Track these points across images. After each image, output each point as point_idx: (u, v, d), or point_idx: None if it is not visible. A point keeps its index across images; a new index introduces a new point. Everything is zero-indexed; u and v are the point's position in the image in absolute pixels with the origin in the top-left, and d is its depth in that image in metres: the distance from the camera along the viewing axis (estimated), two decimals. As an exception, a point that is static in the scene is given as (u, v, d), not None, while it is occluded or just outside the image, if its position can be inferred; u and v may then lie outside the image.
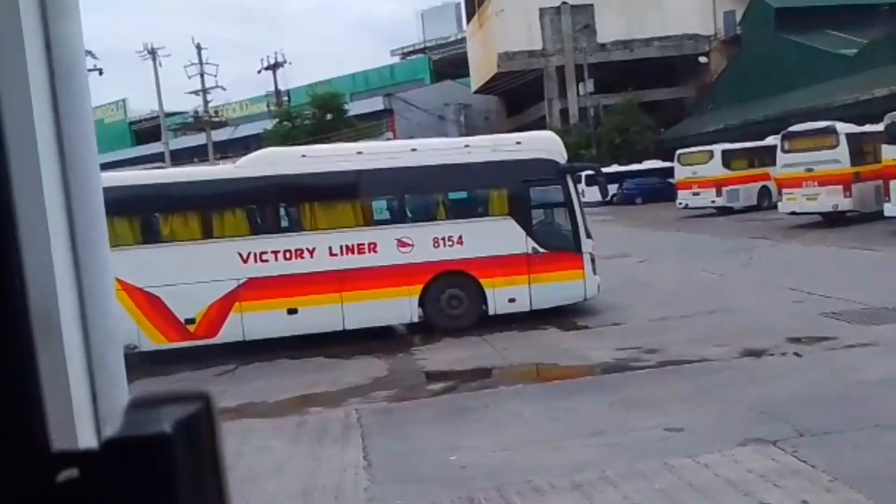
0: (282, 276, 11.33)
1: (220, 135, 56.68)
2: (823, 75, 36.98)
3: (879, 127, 19.68)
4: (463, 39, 70.85)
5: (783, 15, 44.05)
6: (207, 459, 0.89)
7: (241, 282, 11.28)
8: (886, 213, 19.10)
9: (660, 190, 39.95)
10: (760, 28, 45.67)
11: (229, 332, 11.27)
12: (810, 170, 21.98)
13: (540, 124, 49.99)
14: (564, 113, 54.79)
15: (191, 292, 11.09)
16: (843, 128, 22.11)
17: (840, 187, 21.48)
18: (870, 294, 11.68)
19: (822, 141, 22.05)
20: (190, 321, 11.23)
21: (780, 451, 5.94)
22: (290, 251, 11.39)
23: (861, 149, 21.59)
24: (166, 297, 11.06)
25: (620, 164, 44.43)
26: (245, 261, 11.28)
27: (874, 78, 32.32)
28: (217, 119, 55.06)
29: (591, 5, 55.09)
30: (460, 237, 11.83)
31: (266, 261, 11.32)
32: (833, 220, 22.30)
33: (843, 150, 21.50)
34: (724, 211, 30.03)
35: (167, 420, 0.81)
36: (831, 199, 21.72)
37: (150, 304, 10.99)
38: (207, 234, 11.49)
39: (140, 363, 10.46)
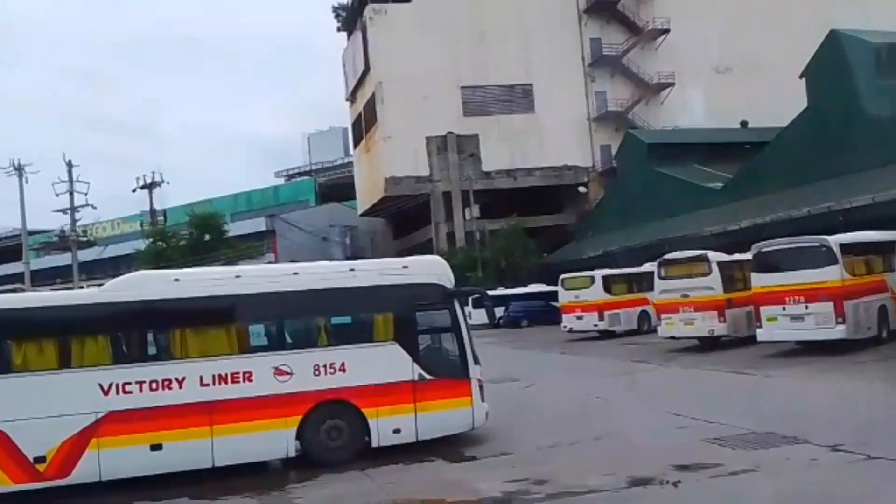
0: (147, 408, 10.47)
1: (87, 255, 54.12)
2: (694, 205, 39.66)
3: (748, 255, 20.82)
4: (348, 164, 72.31)
5: (654, 149, 47.52)
6: None
7: (101, 415, 10.33)
8: (759, 338, 19.93)
9: (545, 313, 40.66)
10: (634, 161, 48.93)
11: (84, 471, 10.18)
12: (686, 295, 22.87)
13: (426, 246, 50.80)
14: (451, 236, 55.92)
15: (43, 427, 10.05)
16: (715, 256, 23.28)
17: (714, 313, 22.35)
18: (748, 418, 11.85)
19: (695, 268, 23.09)
20: (40, 459, 10.12)
21: None
22: (156, 381, 10.57)
23: (732, 276, 22.72)
24: (14, 433, 9.99)
25: (506, 287, 45.24)
26: (106, 392, 10.38)
27: (738, 210, 34.77)
28: (85, 238, 51.98)
29: (476, 135, 57.49)
30: (343, 364, 11.34)
31: (130, 392, 10.45)
32: (709, 345, 23.10)
33: (715, 278, 22.53)
34: (607, 334, 30.71)
35: None
36: (707, 324, 22.55)
37: None
38: (65, 363, 10.51)
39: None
